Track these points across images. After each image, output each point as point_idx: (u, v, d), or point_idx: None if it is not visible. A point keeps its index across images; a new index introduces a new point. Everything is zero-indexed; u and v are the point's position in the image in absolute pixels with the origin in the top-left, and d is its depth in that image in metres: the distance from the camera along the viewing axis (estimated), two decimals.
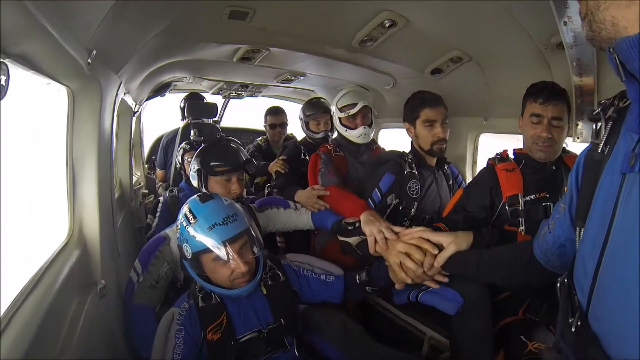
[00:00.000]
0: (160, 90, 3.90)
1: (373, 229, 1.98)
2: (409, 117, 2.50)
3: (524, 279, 1.50)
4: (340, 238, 2.20)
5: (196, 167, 2.37)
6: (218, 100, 4.93)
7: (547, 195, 2.04)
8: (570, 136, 2.22)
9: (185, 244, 1.73)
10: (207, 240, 1.67)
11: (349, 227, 2.15)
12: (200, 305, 1.75)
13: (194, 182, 2.41)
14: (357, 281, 1.99)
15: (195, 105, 4.47)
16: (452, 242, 1.67)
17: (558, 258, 1.22)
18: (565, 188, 1.99)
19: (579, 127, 2.24)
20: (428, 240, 1.74)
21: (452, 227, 2.11)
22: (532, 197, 2.04)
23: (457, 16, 2.12)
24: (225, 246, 1.66)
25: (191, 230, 1.70)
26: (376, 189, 2.43)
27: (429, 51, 2.58)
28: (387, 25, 2.21)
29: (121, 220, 2.58)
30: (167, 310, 1.79)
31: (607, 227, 0.76)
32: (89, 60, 1.36)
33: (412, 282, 1.81)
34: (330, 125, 3.26)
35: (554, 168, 2.10)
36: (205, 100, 4.77)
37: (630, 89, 0.72)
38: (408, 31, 2.27)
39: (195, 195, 1.85)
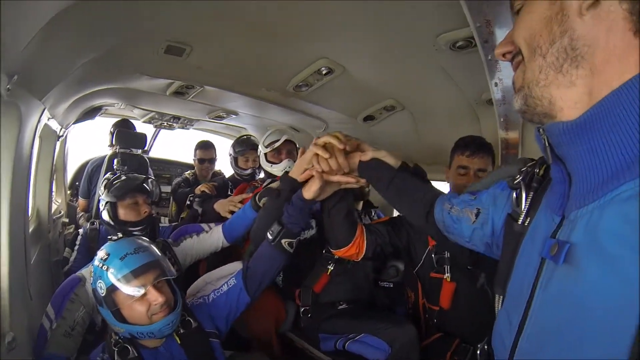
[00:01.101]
0: (90, 113, 3.58)
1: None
2: None
3: (421, 221, 1.43)
4: (262, 199, 2.11)
5: (105, 200, 2.29)
6: (149, 129, 4.69)
7: None
8: None
9: (99, 281, 1.57)
10: (119, 270, 1.53)
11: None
12: None
13: (105, 217, 2.29)
14: (270, 237, 1.85)
15: (124, 134, 4.21)
16: (385, 152, 1.61)
17: (451, 233, 1.24)
18: None
19: None
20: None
21: (371, 236, 2.02)
22: None
23: (394, 68, 2.16)
24: (138, 274, 1.53)
25: (104, 266, 1.56)
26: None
27: (363, 99, 2.60)
28: (323, 72, 2.20)
29: (36, 256, 2.32)
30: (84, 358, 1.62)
31: (525, 308, 0.74)
32: (8, 87, 1.25)
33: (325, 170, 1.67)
34: (258, 163, 3.19)
35: None
36: (135, 129, 4.50)
37: (556, 171, 0.71)
38: (344, 79, 2.27)
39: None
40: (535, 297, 0.72)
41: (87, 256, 2.37)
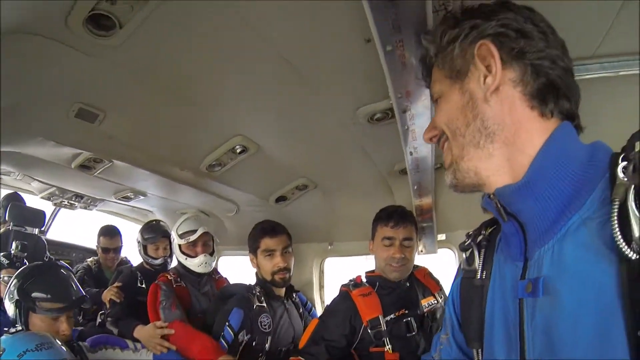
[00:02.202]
0: None
1: None
2: (251, 247, 2.45)
3: None
4: None
5: (14, 297, 1.85)
6: (47, 207, 4.22)
7: (407, 312, 2.11)
8: None
9: None
10: None
11: None
12: None
13: (9, 312, 1.87)
14: None
15: (19, 209, 3.79)
16: None
17: None
18: (422, 301, 2.13)
19: (420, 242, 2.51)
20: None
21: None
22: (392, 316, 2.08)
23: (308, 145, 2.23)
24: None
25: None
26: (227, 326, 2.22)
27: (276, 179, 2.64)
28: (237, 150, 2.22)
29: None
30: None
31: (519, 346, 0.79)
32: None
33: None
34: (169, 251, 3.07)
35: (407, 284, 2.19)
36: (28, 205, 4.06)
37: (509, 226, 0.82)
38: (258, 158, 2.30)
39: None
40: (525, 333, 0.78)
41: None
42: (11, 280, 1.93)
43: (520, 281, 0.79)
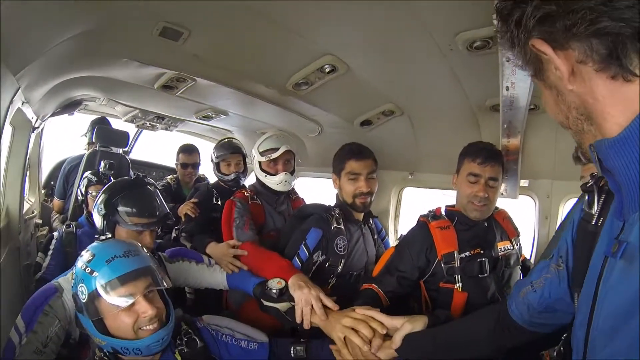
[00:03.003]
0: (69, 107, 3.37)
1: (303, 296, 1.79)
2: (335, 168, 2.39)
3: (492, 346, 1.39)
4: (266, 303, 1.91)
5: (103, 210, 1.96)
6: (130, 129, 4.47)
7: (482, 252, 2.04)
8: None
9: (80, 285, 1.39)
10: (105, 274, 1.36)
11: (274, 293, 1.89)
12: None
13: (97, 224, 2.00)
14: (292, 355, 1.74)
15: (104, 132, 4.04)
16: (407, 322, 1.53)
17: (543, 318, 1.20)
18: (498, 244, 2.04)
19: (503, 184, 2.31)
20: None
21: (384, 289, 2.02)
22: (467, 253, 2.02)
23: (400, 69, 2.09)
24: (127, 281, 1.37)
25: (88, 268, 1.39)
26: (302, 245, 2.23)
27: (362, 102, 2.53)
28: (327, 70, 2.11)
29: (4, 258, 2.10)
30: None
31: (592, 302, 0.81)
32: None
33: None
34: (242, 167, 3.10)
35: (485, 224, 2.10)
36: (114, 128, 4.32)
37: (610, 182, 0.78)
38: (346, 79, 2.19)
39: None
40: (599, 291, 0.79)
41: (62, 263, 2.16)
42: (100, 194, 2.03)
43: (614, 240, 0.76)
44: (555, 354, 1.02)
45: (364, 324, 1.56)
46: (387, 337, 1.55)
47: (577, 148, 0.86)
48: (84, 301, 1.38)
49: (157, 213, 2.00)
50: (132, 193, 2.00)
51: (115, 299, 1.34)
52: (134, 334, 1.37)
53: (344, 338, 1.59)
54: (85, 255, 1.44)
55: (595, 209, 0.93)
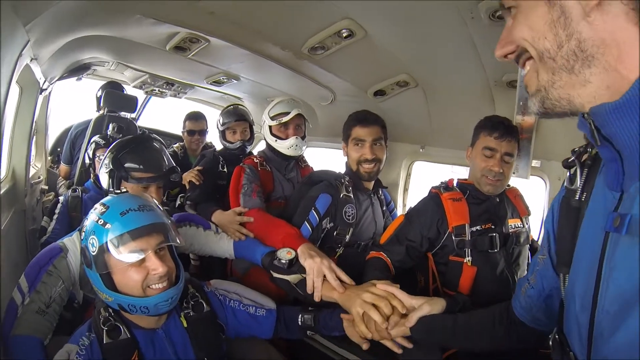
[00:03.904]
0: (77, 71, 3.34)
1: (315, 266, 1.76)
2: (344, 135, 2.39)
3: (505, 343, 1.36)
4: (275, 275, 1.89)
5: (109, 167, 1.96)
6: (139, 95, 4.44)
7: (493, 227, 2.03)
8: None
9: (91, 237, 1.38)
10: (118, 227, 1.35)
11: (284, 263, 1.86)
12: (105, 342, 1.38)
13: (103, 183, 2.00)
14: (299, 322, 1.75)
15: (113, 96, 4.01)
16: (426, 303, 1.52)
17: (544, 312, 1.16)
18: (509, 221, 2.03)
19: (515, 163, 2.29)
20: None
21: (392, 258, 2.02)
22: (478, 227, 2.02)
23: (418, 38, 2.04)
24: (139, 236, 1.36)
25: (100, 220, 1.38)
26: (312, 210, 2.21)
27: (377, 70, 2.48)
28: (344, 34, 2.06)
29: (8, 220, 2.10)
30: (59, 340, 1.42)
31: (595, 280, 0.76)
32: None
33: (371, 337, 1.59)
34: (248, 134, 3.06)
35: (497, 200, 2.09)
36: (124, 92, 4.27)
37: (606, 152, 0.73)
38: (363, 45, 2.14)
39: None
40: (603, 269, 0.74)
41: (67, 227, 2.17)
42: (106, 153, 2.03)
43: (612, 213, 0.73)
44: (550, 343, 0.98)
45: (385, 301, 1.55)
46: (402, 315, 1.55)
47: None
48: (94, 254, 1.37)
49: (163, 168, 2.00)
50: (137, 148, 2.01)
51: (125, 254, 1.34)
52: (142, 292, 1.37)
53: (362, 314, 1.58)
54: (99, 208, 1.43)
55: (578, 183, 0.89)
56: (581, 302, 0.82)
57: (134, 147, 2.02)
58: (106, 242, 1.35)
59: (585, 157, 0.91)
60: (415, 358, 1.62)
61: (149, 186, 1.96)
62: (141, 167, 1.95)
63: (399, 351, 1.57)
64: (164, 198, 3.38)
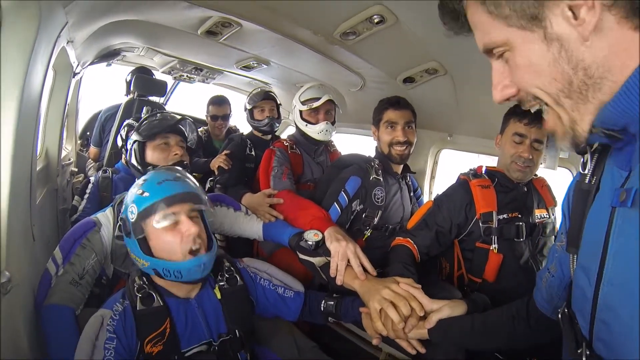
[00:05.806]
0: (108, 57, 3.41)
1: (340, 249, 1.76)
2: (374, 119, 2.43)
3: (527, 339, 1.35)
4: (301, 256, 1.90)
5: (133, 139, 2.18)
6: (167, 80, 4.49)
7: (519, 216, 2.04)
8: None
9: (131, 206, 1.48)
10: (156, 195, 1.46)
11: (310, 245, 1.86)
12: (138, 309, 1.44)
13: (133, 159, 2.18)
14: (322, 308, 1.78)
15: (144, 80, 4.05)
16: (446, 306, 1.52)
17: (559, 303, 1.16)
18: (536, 211, 2.02)
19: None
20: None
21: (419, 244, 2.03)
22: (505, 215, 2.03)
23: None
24: (174, 202, 1.45)
25: (139, 190, 1.48)
26: (342, 192, 2.25)
27: (408, 57, 2.46)
28: (375, 20, 2.05)
29: (42, 198, 2.16)
30: (89, 313, 1.46)
31: (601, 256, 0.78)
32: None
33: (386, 335, 1.58)
34: (276, 113, 3.12)
35: (525, 189, 2.09)
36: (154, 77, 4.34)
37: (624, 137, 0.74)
38: (394, 31, 2.13)
39: None
40: (610, 244, 0.76)
41: (98, 205, 2.24)
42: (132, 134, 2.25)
43: (618, 189, 0.74)
44: (560, 317, 0.99)
45: (405, 301, 1.52)
46: (420, 317, 1.53)
47: None
48: (132, 221, 1.46)
49: (172, 120, 2.24)
50: (153, 116, 2.25)
51: (161, 218, 1.42)
52: (180, 254, 1.43)
53: (380, 310, 1.56)
54: (140, 181, 1.53)
55: (588, 167, 0.89)
56: (587, 276, 0.83)
57: (150, 116, 2.26)
58: (144, 209, 1.44)
59: (596, 144, 0.90)
60: (438, 358, 1.60)
61: (168, 140, 2.16)
62: (156, 126, 2.17)
63: (413, 352, 1.55)
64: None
